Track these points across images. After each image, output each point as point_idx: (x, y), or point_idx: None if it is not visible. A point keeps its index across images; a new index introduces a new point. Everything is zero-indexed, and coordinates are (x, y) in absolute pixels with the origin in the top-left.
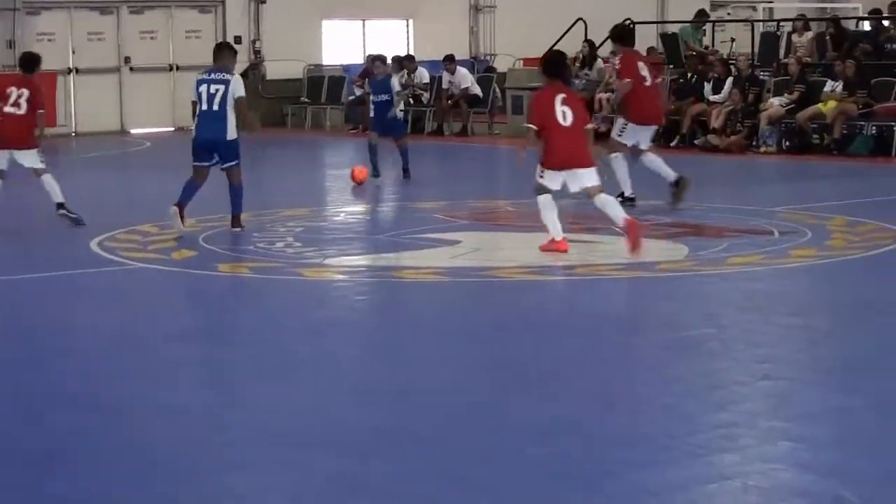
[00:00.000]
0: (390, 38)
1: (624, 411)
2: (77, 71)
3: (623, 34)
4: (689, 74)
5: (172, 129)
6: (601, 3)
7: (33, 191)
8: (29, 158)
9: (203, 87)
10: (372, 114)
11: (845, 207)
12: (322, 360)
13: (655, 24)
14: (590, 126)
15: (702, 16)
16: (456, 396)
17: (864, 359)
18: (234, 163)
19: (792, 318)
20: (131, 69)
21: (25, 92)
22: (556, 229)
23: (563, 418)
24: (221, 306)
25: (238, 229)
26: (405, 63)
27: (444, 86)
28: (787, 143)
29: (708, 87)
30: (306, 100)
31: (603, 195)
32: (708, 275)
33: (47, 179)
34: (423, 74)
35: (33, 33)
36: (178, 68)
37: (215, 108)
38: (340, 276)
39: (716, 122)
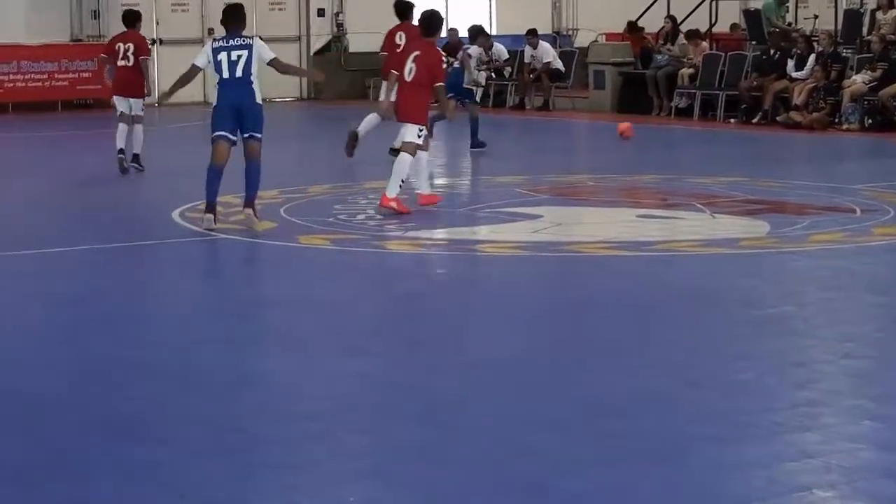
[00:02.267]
0: (473, 11)
1: (704, 387)
2: (161, 42)
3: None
4: (772, 51)
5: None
6: None
7: (113, 162)
8: (136, 106)
9: (223, 55)
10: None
11: None
12: (402, 332)
13: (738, 1)
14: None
15: None
16: (533, 369)
17: None
18: (259, 135)
19: (875, 296)
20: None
21: (131, 46)
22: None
23: (642, 393)
24: (302, 277)
25: (251, 212)
26: (480, 40)
27: (527, 60)
28: (870, 121)
29: (791, 63)
30: None
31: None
32: (789, 252)
33: (138, 129)
34: (499, 50)
35: (118, 4)
36: (261, 39)
37: (239, 74)
38: (421, 249)
39: (798, 99)
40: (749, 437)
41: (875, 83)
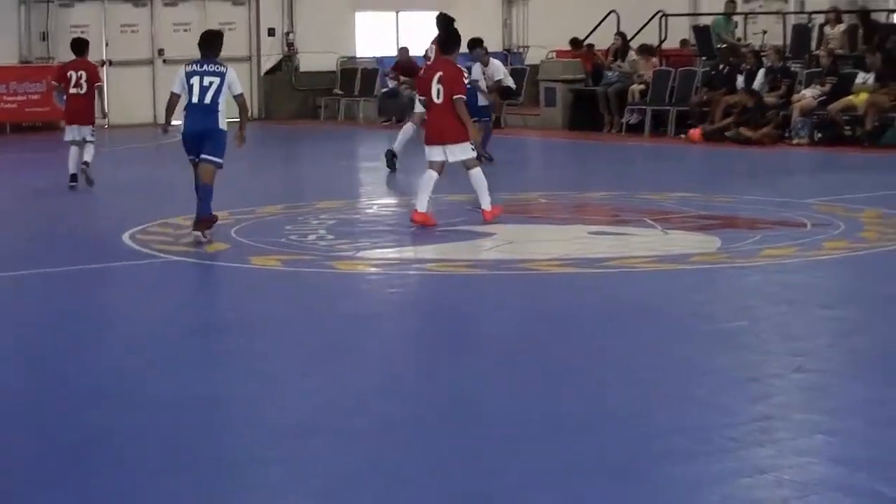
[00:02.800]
0: (424, 30)
1: (659, 404)
2: (111, 63)
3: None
4: (722, 66)
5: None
6: None
7: (64, 183)
8: (87, 132)
9: (195, 79)
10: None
11: (878, 199)
12: (354, 352)
13: (688, 17)
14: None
15: (730, 7)
16: (488, 387)
17: None
18: (217, 160)
19: (826, 310)
20: (164, 61)
21: (83, 73)
22: (420, 202)
23: (597, 409)
24: (254, 299)
25: (199, 234)
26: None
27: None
28: (819, 135)
29: (740, 78)
30: (339, 92)
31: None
32: (741, 267)
33: (89, 148)
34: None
35: (67, 25)
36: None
37: (207, 101)
38: (373, 269)
39: (745, 116)
40: (704, 454)
41: (824, 97)
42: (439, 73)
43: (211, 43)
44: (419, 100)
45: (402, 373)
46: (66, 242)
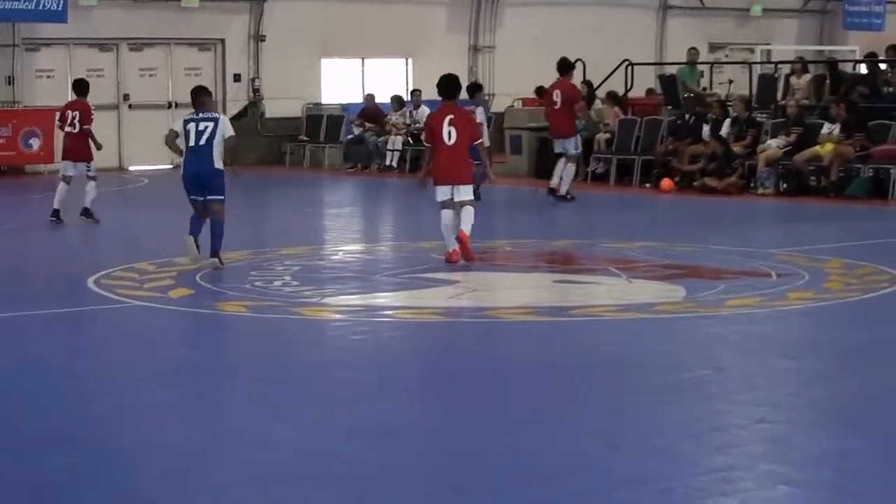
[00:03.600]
0: (389, 76)
1: (622, 453)
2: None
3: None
4: (688, 116)
5: (171, 166)
6: (600, 45)
7: (33, 228)
8: (83, 168)
9: (191, 126)
10: None
11: (843, 250)
12: (318, 399)
13: (654, 66)
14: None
15: (693, 54)
16: (453, 436)
17: (862, 402)
18: (220, 197)
19: (790, 360)
20: (130, 106)
21: (77, 113)
22: (449, 240)
23: (561, 458)
24: (218, 345)
25: (217, 261)
26: (411, 99)
27: None
28: (785, 185)
29: (706, 128)
30: (305, 138)
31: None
32: (705, 316)
33: (90, 185)
34: (424, 112)
35: (33, 70)
36: (177, 105)
37: (202, 143)
38: (338, 316)
39: (712, 164)
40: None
41: (790, 148)
42: (450, 117)
43: (200, 98)
44: (427, 145)
45: (365, 420)
46: (31, 286)
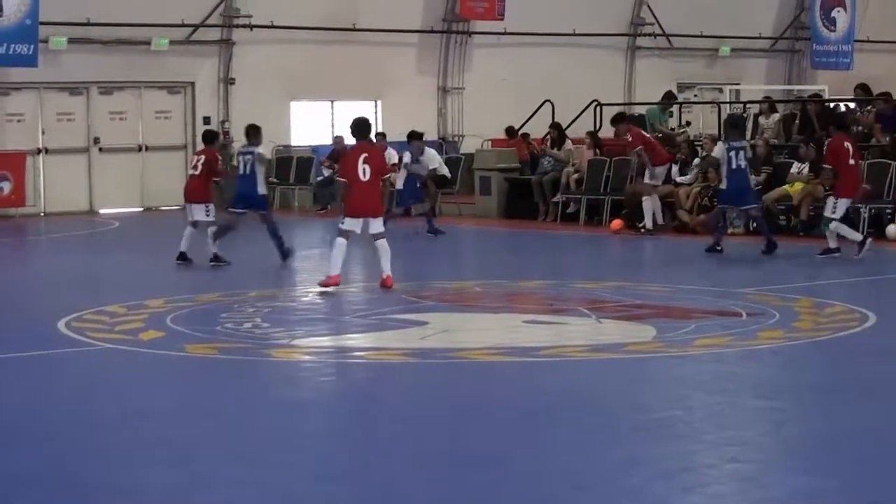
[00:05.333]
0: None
1: (592, 492)
2: (47, 151)
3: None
4: None
5: (141, 209)
6: (568, 86)
7: (3, 271)
8: (197, 211)
9: (240, 158)
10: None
11: (812, 289)
12: (287, 441)
13: (623, 106)
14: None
15: (669, 98)
16: (419, 478)
17: (832, 442)
18: (264, 210)
19: (760, 400)
20: (101, 149)
21: (203, 158)
22: (336, 266)
23: (530, 499)
24: (188, 387)
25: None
26: (378, 139)
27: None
28: (755, 225)
29: (675, 168)
30: (275, 180)
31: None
32: (675, 356)
33: (208, 230)
34: (391, 155)
35: (3, 113)
36: (147, 149)
37: (247, 171)
38: (308, 357)
39: (686, 203)
40: None
41: (759, 187)
42: (364, 155)
43: (248, 134)
44: (341, 179)
45: (331, 462)
46: (1, 329)
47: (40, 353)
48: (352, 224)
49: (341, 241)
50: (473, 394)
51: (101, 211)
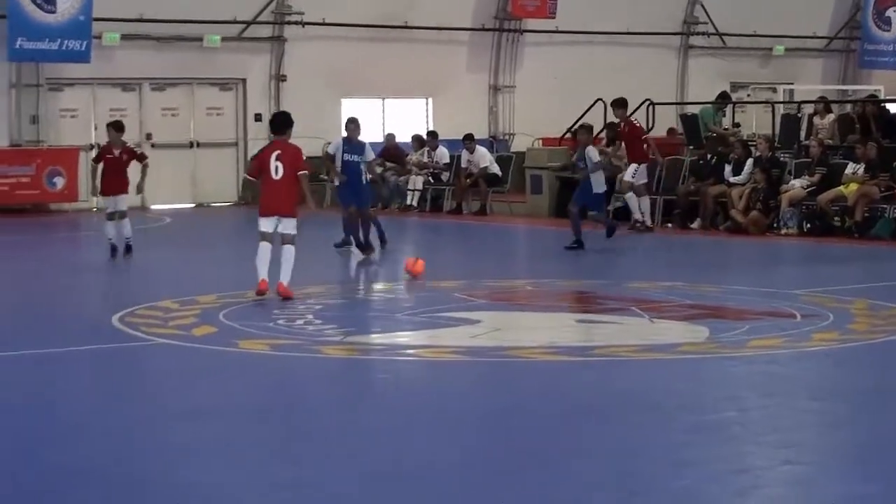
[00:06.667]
0: (410, 116)
1: (645, 495)
2: (99, 147)
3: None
4: (710, 156)
5: (192, 205)
6: (620, 85)
7: (57, 266)
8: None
9: (346, 156)
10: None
11: (867, 291)
12: (339, 439)
13: (675, 105)
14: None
15: (724, 98)
16: (471, 477)
17: (887, 445)
18: (367, 205)
19: (814, 402)
20: (153, 145)
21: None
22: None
23: (581, 501)
24: (240, 383)
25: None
26: (427, 140)
27: (463, 164)
28: (809, 226)
29: (728, 168)
30: (326, 178)
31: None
32: (729, 357)
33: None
34: (443, 153)
35: (56, 109)
36: (198, 145)
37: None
38: (360, 355)
39: (739, 204)
40: None
41: (813, 188)
42: (278, 152)
43: (353, 129)
44: (251, 178)
45: (384, 461)
46: (56, 324)
47: (95, 348)
48: (264, 224)
49: (264, 244)
50: (525, 393)
51: (153, 207)
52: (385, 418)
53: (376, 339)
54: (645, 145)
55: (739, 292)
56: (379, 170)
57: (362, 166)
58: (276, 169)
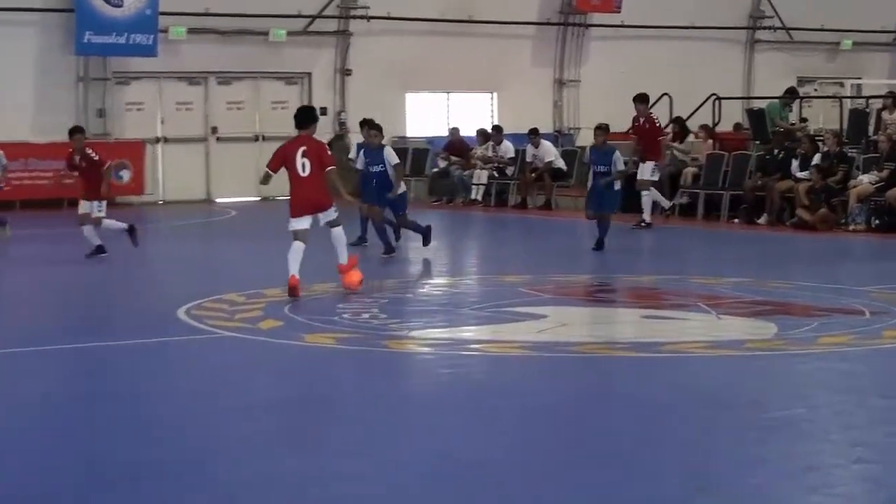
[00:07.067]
0: (474, 111)
1: (715, 493)
2: (165, 140)
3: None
4: (776, 151)
5: (258, 198)
6: (687, 78)
7: (124, 259)
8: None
9: (367, 166)
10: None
11: None
12: (404, 433)
13: (741, 100)
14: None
15: (792, 93)
16: (535, 473)
17: None
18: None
19: (885, 399)
20: (218, 139)
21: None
22: (294, 268)
23: (651, 499)
24: (308, 377)
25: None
26: (491, 135)
27: (528, 159)
28: (877, 222)
29: (795, 163)
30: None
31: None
32: (797, 354)
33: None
34: (508, 148)
35: (123, 103)
36: (263, 138)
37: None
38: (425, 349)
39: (805, 199)
40: None
41: (882, 183)
42: (303, 148)
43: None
44: (270, 172)
45: (448, 455)
46: (123, 317)
47: (161, 341)
48: (298, 223)
49: (298, 244)
50: (592, 389)
51: (218, 200)
52: (448, 412)
53: (441, 333)
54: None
55: (807, 288)
56: (443, 164)
57: (388, 173)
58: (304, 166)
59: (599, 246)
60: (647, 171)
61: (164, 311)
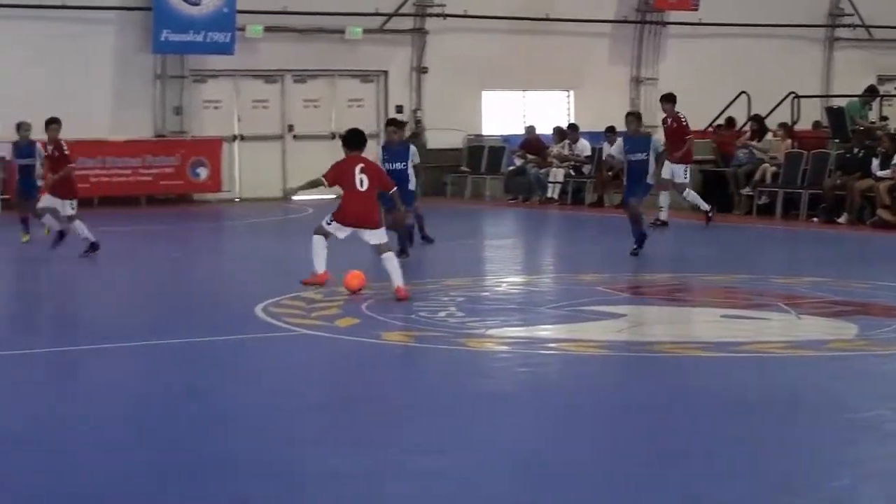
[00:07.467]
0: (551, 109)
1: (800, 494)
2: (242, 138)
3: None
4: (856, 149)
5: (334, 196)
6: (765, 77)
7: (202, 256)
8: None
9: (387, 164)
10: None
11: None
12: (482, 432)
13: (820, 98)
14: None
15: (872, 91)
16: (618, 473)
17: None
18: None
19: None
20: (294, 137)
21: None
22: (320, 265)
23: (736, 500)
24: (385, 375)
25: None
26: (568, 133)
27: (605, 157)
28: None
29: (875, 162)
30: (466, 169)
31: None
32: (880, 355)
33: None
34: (584, 146)
35: (200, 100)
36: (340, 136)
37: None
38: (503, 347)
39: (887, 199)
40: None
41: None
42: (361, 165)
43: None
44: (326, 184)
45: (524, 454)
46: (201, 313)
47: (239, 338)
48: (336, 228)
49: (319, 238)
50: (671, 389)
51: (294, 197)
52: (526, 411)
53: (519, 332)
54: (685, 146)
55: (888, 289)
56: (519, 162)
57: (409, 171)
58: (361, 181)
59: (640, 244)
60: (679, 173)
61: (242, 309)
